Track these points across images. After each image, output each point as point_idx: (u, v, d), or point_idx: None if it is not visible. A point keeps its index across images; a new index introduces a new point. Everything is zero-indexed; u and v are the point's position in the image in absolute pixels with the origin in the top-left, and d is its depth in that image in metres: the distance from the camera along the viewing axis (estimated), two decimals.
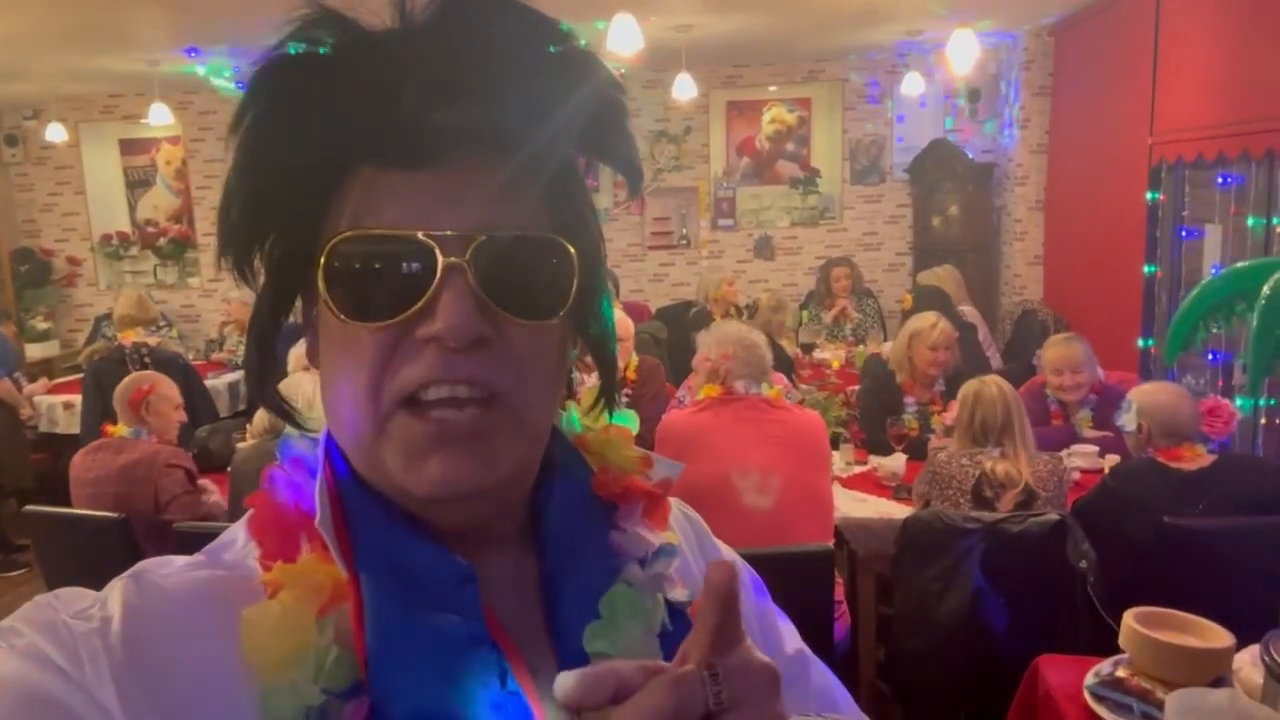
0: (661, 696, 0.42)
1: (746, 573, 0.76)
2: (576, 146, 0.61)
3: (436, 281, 0.53)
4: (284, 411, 0.64)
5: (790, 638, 0.76)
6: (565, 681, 0.43)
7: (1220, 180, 4.12)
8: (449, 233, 0.54)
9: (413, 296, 0.54)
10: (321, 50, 0.55)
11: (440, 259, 0.53)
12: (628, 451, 0.69)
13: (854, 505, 3.24)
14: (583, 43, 0.58)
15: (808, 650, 0.77)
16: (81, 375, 5.29)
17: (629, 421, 0.71)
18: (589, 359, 0.68)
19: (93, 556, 2.84)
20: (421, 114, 0.53)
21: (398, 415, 0.55)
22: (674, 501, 0.74)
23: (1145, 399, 2.88)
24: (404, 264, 0.54)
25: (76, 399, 5.26)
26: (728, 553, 0.76)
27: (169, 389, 3.38)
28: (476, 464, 0.55)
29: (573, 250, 0.58)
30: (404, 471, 0.55)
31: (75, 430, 5.20)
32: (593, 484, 0.66)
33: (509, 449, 0.57)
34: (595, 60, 0.58)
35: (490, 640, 0.56)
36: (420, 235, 0.54)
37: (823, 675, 0.76)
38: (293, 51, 0.55)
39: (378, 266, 0.55)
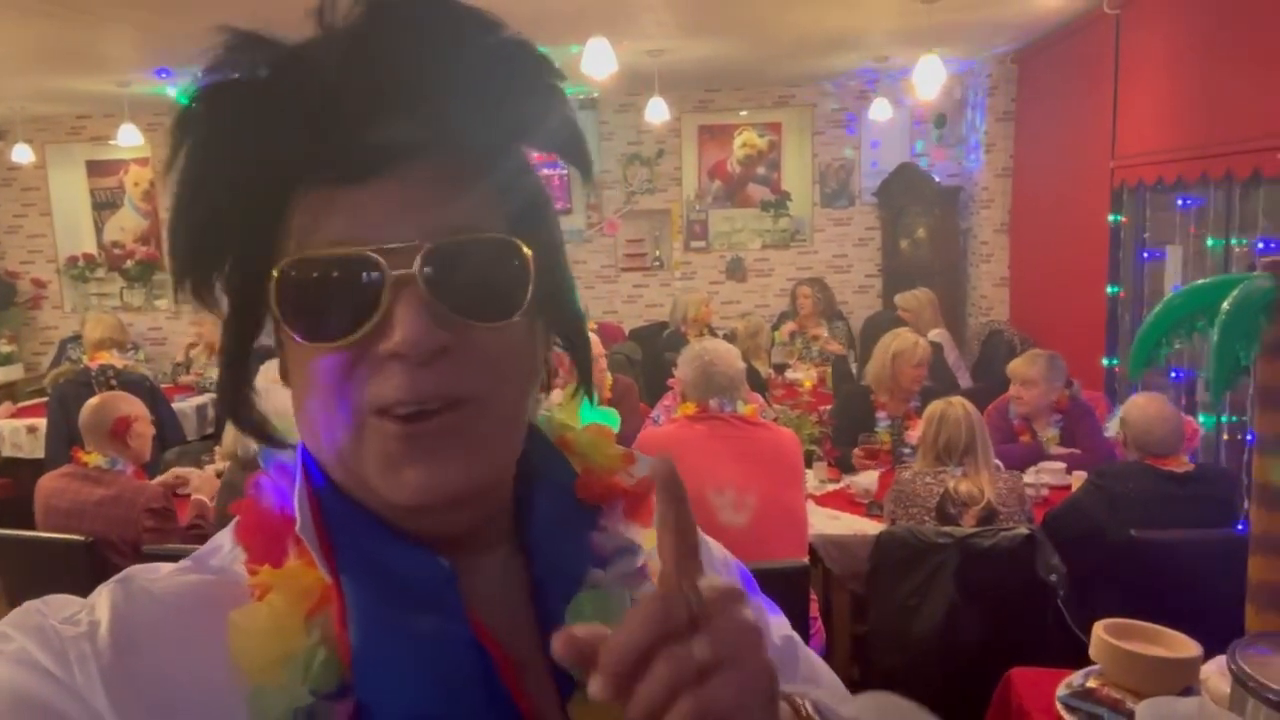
0: (647, 609, 0.46)
1: (736, 568, 0.77)
2: (518, 139, 0.59)
3: (387, 295, 0.53)
4: (262, 433, 0.63)
5: (778, 625, 0.77)
6: (561, 637, 0.47)
7: (1180, 202, 4.22)
8: (395, 245, 0.53)
9: (367, 313, 0.53)
10: (249, 74, 0.54)
11: (389, 273, 0.53)
12: (609, 450, 0.69)
13: (828, 523, 3.26)
14: (513, 32, 0.57)
15: (796, 636, 0.77)
16: (46, 399, 5.21)
17: (609, 419, 0.71)
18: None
19: (60, 579, 2.79)
20: (356, 128, 0.53)
21: (370, 422, 0.55)
22: None
23: (1129, 410, 2.98)
24: (354, 281, 0.53)
25: (41, 423, 5.17)
26: (717, 550, 0.76)
27: (142, 409, 3.32)
28: (453, 468, 0.55)
29: (526, 250, 0.57)
30: (382, 481, 0.55)
31: (39, 455, 5.11)
32: (576, 486, 0.66)
33: (485, 451, 0.57)
34: (531, 48, 0.57)
35: (473, 640, 0.56)
36: (367, 251, 0.53)
37: (810, 661, 0.77)
38: (220, 79, 0.54)
39: (328, 286, 0.54)
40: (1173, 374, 4.07)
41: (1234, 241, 3.71)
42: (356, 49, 0.53)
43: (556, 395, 0.69)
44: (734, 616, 0.47)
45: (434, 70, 0.54)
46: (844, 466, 3.77)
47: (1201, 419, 3.75)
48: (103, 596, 0.55)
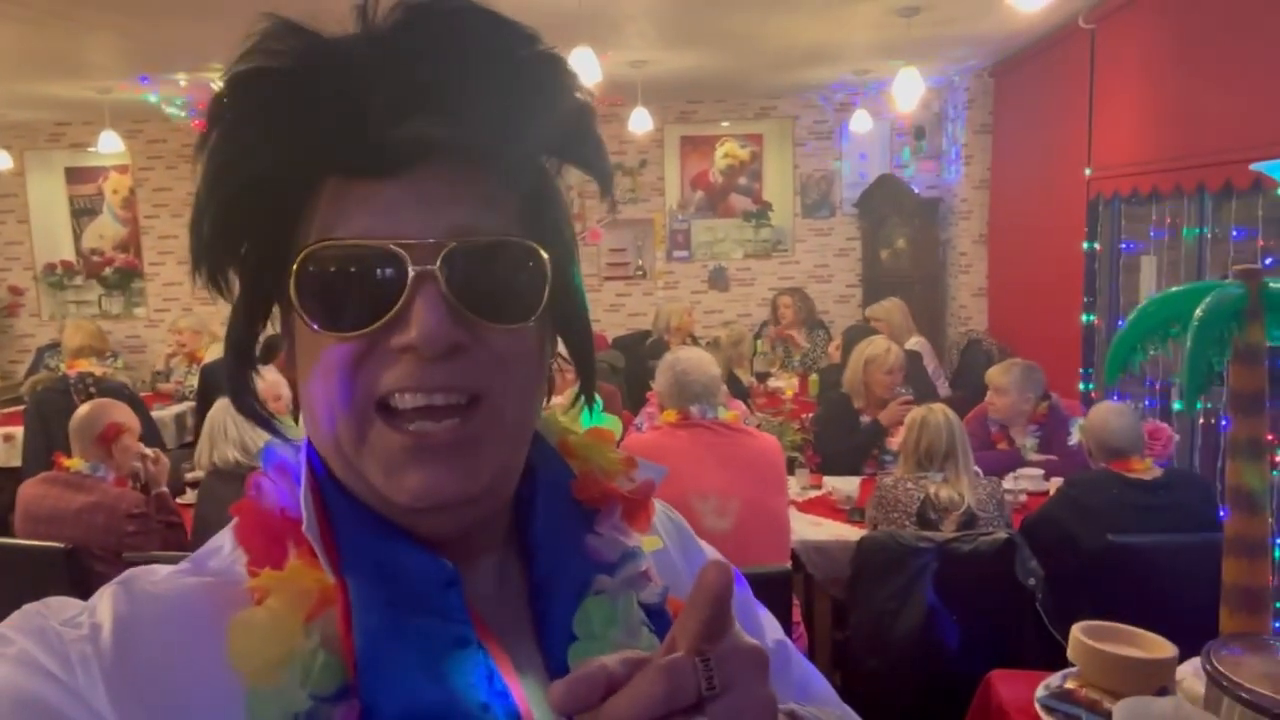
0: (654, 683, 0.43)
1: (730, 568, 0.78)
2: (546, 151, 0.60)
3: (408, 290, 0.53)
4: (263, 420, 0.63)
5: (771, 628, 0.77)
6: (557, 690, 0.44)
7: (1154, 234, 4.32)
8: (419, 241, 0.53)
9: (385, 306, 0.54)
10: (285, 63, 0.54)
11: (411, 268, 0.53)
12: (611, 454, 0.69)
13: (809, 528, 3.28)
14: (548, 46, 0.58)
15: (788, 640, 0.78)
16: (23, 407, 5.15)
17: (612, 424, 0.72)
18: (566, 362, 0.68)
19: (40, 587, 2.75)
20: (389, 125, 0.53)
21: (375, 424, 0.55)
22: (659, 504, 0.75)
23: (1089, 416, 3.03)
24: (375, 274, 0.54)
25: (18, 431, 5.11)
26: (711, 553, 0.77)
27: (135, 423, 3.28)
28: (457, 475, 0.56)
29: (545, 254, 0.57)
30: (384, 482, 0.56)
31: (16, 463, 5.05)
32: (574, 487, 0.66)
33: (491, 456, 0.57)
34: (562, 63, 0.58)
35: (476, 641, 0.57)
36: (390, 245, 0.53)
37: (801, 665, 0.77)
38: (256, 65, 0.54)
39: (349, 277, 0.55)
40: (1147, 381, 4.12)
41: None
42: (391, 47, 0.54)
43: (559, 400, 0.69)
44: (748, 692, 0.45)
45: (465, 74, 0.54)
46: (826, 472, 3.81)
47: (1176, 406, 3.82)
48: (104, 599, 0.55)
